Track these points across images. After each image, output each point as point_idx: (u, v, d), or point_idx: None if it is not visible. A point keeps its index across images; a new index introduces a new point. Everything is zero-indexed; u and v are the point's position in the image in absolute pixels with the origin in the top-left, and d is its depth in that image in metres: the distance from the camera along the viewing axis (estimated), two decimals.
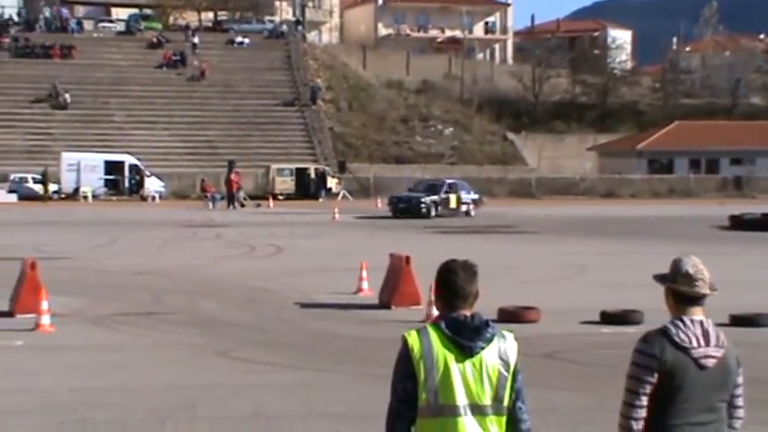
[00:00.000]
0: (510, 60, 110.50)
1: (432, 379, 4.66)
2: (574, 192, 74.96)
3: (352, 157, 76.94)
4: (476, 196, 52.40)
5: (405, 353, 4.72)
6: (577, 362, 13.89)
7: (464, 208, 50.86)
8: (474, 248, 29.20)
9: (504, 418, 4.73)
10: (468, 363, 4.67)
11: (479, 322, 4.73)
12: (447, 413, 4.65)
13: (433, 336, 4.71)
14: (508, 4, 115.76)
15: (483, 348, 4.69)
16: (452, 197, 50.78)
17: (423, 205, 49.41)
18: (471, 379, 4.67)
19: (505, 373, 4.71)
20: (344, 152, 77.23)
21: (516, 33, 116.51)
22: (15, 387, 11.83)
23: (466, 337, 4.68)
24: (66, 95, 76.19)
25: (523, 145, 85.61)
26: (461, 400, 4.66)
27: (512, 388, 4.74)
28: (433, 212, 49.28)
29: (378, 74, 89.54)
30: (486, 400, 4.68)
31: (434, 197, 50.16)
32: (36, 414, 10.68)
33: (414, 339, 4.72)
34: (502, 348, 4.74)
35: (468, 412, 4.66)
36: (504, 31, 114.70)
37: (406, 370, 4.70)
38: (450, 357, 4.67)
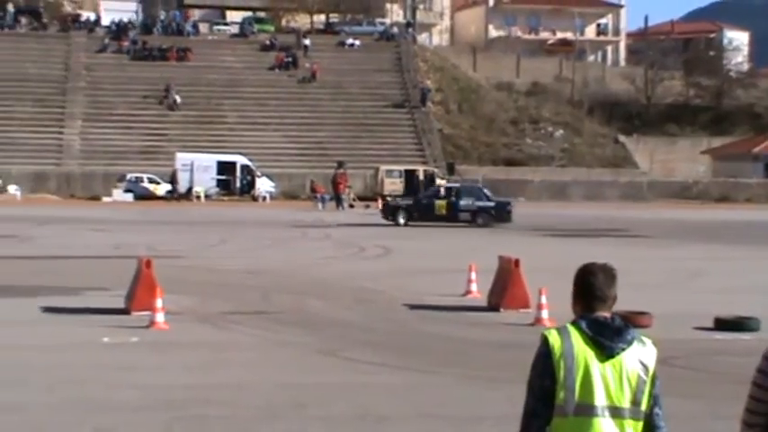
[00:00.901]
0: (622, 62, 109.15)
1: (571, 378, 4.62)
2: (687, 195, 73.73)
3: (461, 159, 76.82)
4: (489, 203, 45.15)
5: (544, 351, 4.68)
6: (691, 368, 13.65)
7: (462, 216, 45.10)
8: (584, 252, 28.86)
9: (640, 424, 4.68)
10: (608, 364, 4.63)
11: (620, 324, 4.70)
12: (585, 413, 4.61)
13: (575, 335, 4.68)
14: (621, 6, 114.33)
15: (623, 350, 4.65)
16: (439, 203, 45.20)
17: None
18: (611, 380, 4.63)
19: (644, 378, 4.67)
20: (453, 154, 77.15)
21: (629, 35, 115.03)
22: (131, 383, 12.07)
23: (607, 338, 4.64)
24: (177, 96, 77.58)
25: (635, 148, 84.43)
26: (600, 400, 4.62)
27: (650, 393, 4.69)
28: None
29: (488, 76, 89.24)
30: (625, 403, 4.64)
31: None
32: (151, 410, 10.88)
33: (554, 338, 4.69)
34: (641, 352, 4.70)
35: (606, 414, 4.62)
36: (617, 32, 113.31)
37: (545, 367, 4.66)
38: (591, 357, 4.63)
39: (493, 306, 18.53)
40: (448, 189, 47.00)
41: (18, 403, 10.93)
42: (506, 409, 9.90)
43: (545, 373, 4.65)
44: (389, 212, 45.76)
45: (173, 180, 65.34)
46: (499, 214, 44.13)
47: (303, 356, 14.08)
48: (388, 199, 52.98)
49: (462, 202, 44.47)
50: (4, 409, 10.67)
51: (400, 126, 79.11)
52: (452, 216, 44.03)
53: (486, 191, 46.81)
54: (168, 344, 14.73)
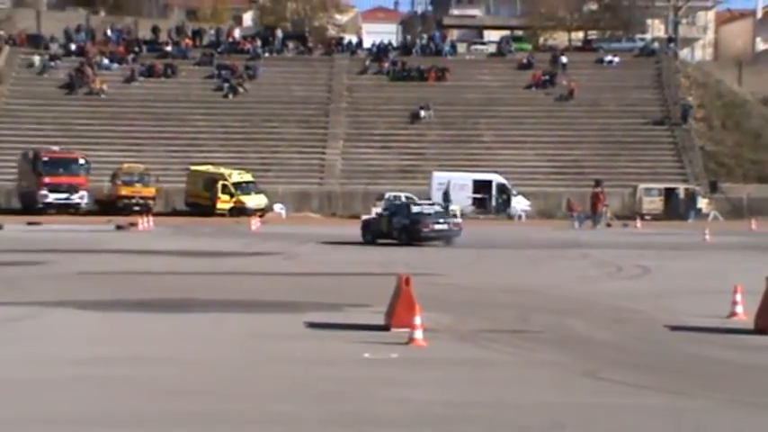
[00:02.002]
0: None
1: None
2: None
3: (725, 176, 74.25)
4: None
5: None
6: None
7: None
8: None
9: None
10: None
11: None
12: None
13: None
14: None
15: None
16: None
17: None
18: None
19: None
20: (716, 171, 74.69)
21: None
22: (392, 398, 12.30)
23: None
24: (426, 113, 78.63)
25: None
26: None
27: None
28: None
29: (754, 90, 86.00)
30: None
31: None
32: (410, 425, 11.07)
33: None
34: None
35: None
36: None
37: None
38: None
39: (760, 329, 17.83)
40: None
41: (290, 415, 11.34)
42: None
43: None
44: None
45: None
46: None
47: (561, 376, 13.99)
48: None
49: None
50: (278, 420, 11.10)
51: (660, 143, 77.36)
52: None
53: None
54: (427, 361, 14.94)
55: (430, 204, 44.54)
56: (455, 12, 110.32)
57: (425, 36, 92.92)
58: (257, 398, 12.22)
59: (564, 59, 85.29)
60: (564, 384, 13.41)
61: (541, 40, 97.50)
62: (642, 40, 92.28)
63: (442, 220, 41.95)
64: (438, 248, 39.96)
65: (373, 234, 42.73)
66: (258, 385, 13.03)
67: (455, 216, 42.25)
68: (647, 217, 65.07)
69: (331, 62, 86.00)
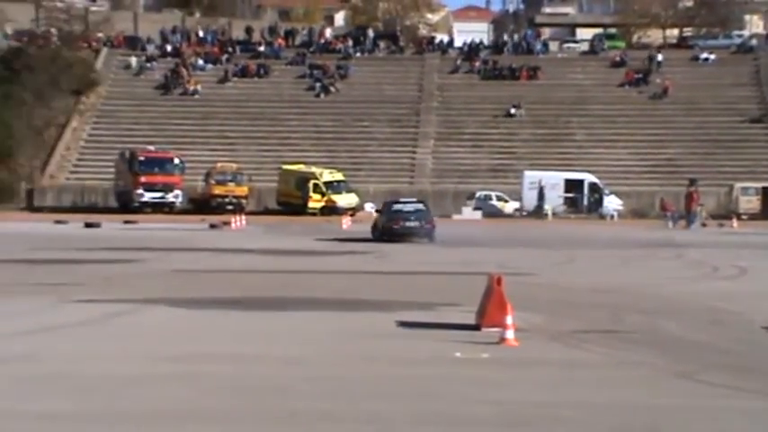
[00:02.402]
0: None
1: None
2: None
3: None
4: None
5: None
6: None
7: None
8: None
9: None
10: None
11: None
12: None
13: None
14: None
15: None
16: None
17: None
18: None
19: None
20: None
21: None
22: (483, 398, 12.25)
23: None
24: (518, 112, 78.25)
25: None
26: None
27: None
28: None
29: None
30: None
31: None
32: (501, 425, 11.01)
33: None
34: None
35: None
36: None
37: None
38: None
39: None
40: None
41: (382, 414, 11.36)
42: None
43: None
44: None
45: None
46: None
47: (656, 378, 13.80)
48: None
49: None
50: (370, 419, 11.13)
51: (757, 142, 75.98)
52: None
53: None
54: (518, 361, 14.85)
55: (413, 203, 45.53)
56: (547, 10, 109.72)
57: (517, 35, 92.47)
58: (349, 396, 12.26)
59: (659, 57, 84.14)
60: (658, 386, 13.22)
61: (635, 37, 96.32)
62: (739, 36, 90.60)
63: (413, 218, 42.81)
64: (528, 249, 39.71)
65: (378, 232, 43.67)
66: (350, 384, 13.08)
67: (429, 215, 43.89)
68: (743, 216, 63.93)
69: (422, 61, 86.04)
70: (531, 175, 67.34)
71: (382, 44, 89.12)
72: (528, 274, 28.02)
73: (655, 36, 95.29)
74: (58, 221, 54.69)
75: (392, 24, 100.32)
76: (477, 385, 13.05)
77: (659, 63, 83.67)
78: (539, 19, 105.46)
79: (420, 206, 44.69)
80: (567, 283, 26.54)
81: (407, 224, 42.60)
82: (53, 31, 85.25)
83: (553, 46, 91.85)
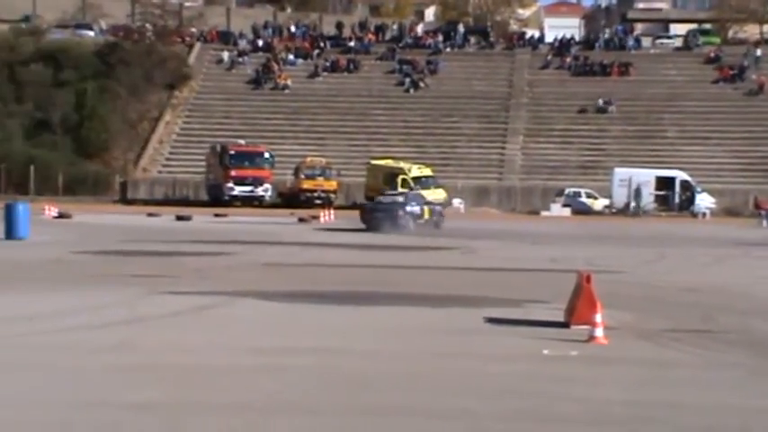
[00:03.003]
0: None
1: None
2: None
3: None
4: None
5: None
6: None
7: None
8: None
9: None
10: None
11: None
12: None
13: None
14: None
15: None
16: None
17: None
18: None
19: None
20: None
21: None
22: (572, 396, 12.16)
23: None
24: (609, 108, 77.47)
25: None
26: None
27: None
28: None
29: None
30: None
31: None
32: (589, 424, 10.92)
33: None
34: None
35: None
36: None
37: None
38: None
39: None
40: None
41: (469, 410, 11.34)
42: None
43: None
44: None
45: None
46: None
47: (748, 379, 13.56)
48: None
49: None
50: (458, 415, 11.12)
51: None
52: None
53: None
54: (607, 359, 14.70)
55: (400, 194, 50.76)
56: (640, 5, 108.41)
57: (609, 30, 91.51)
58: (436, 392, 12.26)
59: (757, 53, 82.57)
60: (751, 387, 12.99)
61: (731, 33, 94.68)
62: None
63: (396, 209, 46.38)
64: (618, 246, 39.30)
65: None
66: (437, 379, 13.07)
67: (415, 207, 47.64)
68: None
69: (512, 57, 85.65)
70: (621, 173, 66.69)
71: (472, 39, 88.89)
72: (618, 271, 27.73)
73: (750, 32, 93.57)
74: (150, 214, 55.55)
75: (483, 19, 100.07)
76: (565, 383, 12.95)
77: (757, 59, 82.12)
78: (631, 14, 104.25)
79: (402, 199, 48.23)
80: (657, 281, 26.21)
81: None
82: (148, 26, 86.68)
83: (645, 42, 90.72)
